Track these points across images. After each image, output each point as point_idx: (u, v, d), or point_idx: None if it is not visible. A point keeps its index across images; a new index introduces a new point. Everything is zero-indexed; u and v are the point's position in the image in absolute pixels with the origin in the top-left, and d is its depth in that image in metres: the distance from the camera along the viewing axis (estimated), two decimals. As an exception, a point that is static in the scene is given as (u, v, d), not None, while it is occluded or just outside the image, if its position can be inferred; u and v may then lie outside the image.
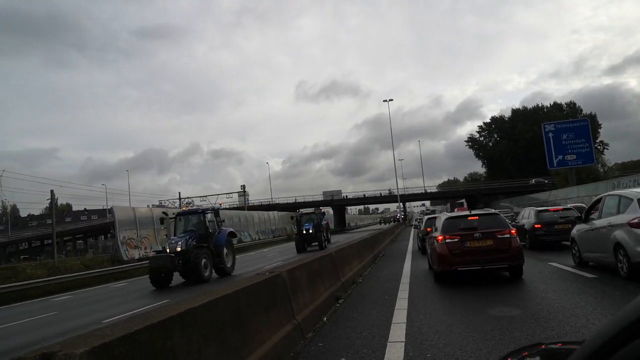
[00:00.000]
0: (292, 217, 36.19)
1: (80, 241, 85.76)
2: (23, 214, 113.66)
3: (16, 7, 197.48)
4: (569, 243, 15.06)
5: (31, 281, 20.17)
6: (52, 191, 41.45)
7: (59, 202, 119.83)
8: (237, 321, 4.08)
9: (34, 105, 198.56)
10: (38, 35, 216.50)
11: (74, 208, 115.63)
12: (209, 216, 18.61)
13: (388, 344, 5.17)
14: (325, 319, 6.80)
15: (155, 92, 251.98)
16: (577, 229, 10.42)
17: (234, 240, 22.87)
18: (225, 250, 18.26)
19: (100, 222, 79.61)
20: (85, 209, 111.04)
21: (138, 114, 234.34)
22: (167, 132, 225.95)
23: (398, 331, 5.67)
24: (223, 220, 20.59)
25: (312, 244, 30.61)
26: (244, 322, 4.22)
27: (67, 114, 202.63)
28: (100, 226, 76.83)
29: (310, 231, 30.16)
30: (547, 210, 16.07)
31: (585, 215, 10.16)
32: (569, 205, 19.44)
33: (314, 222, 31.55)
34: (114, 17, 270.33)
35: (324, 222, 32.80)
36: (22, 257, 73.29)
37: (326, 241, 31.32)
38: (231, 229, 20.43)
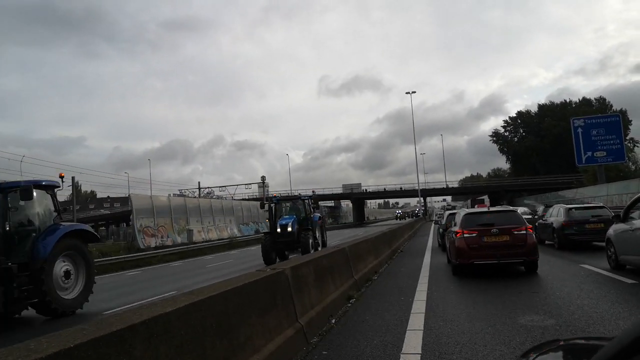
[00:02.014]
0: (262, 206, 22.88)
1: (103, 228, 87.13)
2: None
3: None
4: (601, 244, 14.37)
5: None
6: (73, 178, 41.72)
7: (83, 190, 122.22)
8: (224, 327, 3.49)
9: (64, 94, 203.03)
10: (69, 26, 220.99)
11: (99, 195, 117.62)
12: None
13: (401, 355, 4.53)
14: (333, 321, 6.19)
15: (181, 83, 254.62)
16: (614, 229, 9.54)
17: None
18: (64, 269, 9.93)
19: (122, 209, 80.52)
20: (108, 196, 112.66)
21: (163, 105, 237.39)
22: (191, 123, 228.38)
23: (413, 340, 5.01)
24: (63, 210, 11.53)
25: (291, 250, 18.99)
26: (233, 328, 3.64)
27: (95, 103, 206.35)
28: (123, 213, 77.64)
29: (289, 229, 18.23)
30: (578, 208, 15.14)
31: (624, 214, 9.28)
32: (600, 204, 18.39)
33: (298, 214, 20.01)
34: (143, 8, 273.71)
35: (316, 216, 21.26)
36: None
37: (318, 246, 19.77)
38: (84, 226, 11.61)
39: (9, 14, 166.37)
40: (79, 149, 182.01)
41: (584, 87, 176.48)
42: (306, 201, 21.19)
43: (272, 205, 20.85)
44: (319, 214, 21.94)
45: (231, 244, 35.11)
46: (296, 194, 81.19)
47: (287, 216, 19.61)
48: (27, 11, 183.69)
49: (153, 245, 29.85)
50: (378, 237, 13.61)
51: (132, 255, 25.21)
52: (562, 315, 5.83)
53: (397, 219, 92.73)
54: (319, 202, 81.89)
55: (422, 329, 5.48)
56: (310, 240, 18.40)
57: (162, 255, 26.53)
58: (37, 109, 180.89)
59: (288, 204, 21.42)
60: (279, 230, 18.50)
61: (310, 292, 5.86)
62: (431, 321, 5.86)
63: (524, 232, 9.55)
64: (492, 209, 12.04)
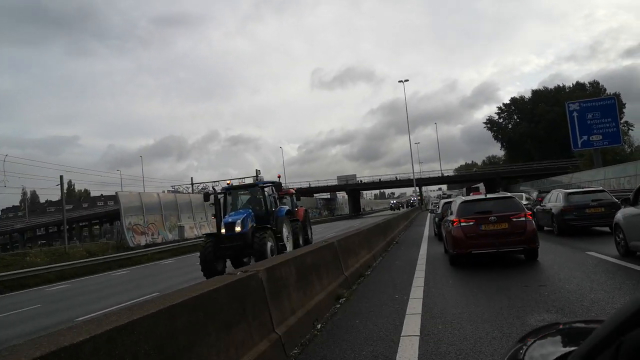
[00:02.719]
0: (206, 198, 16.54)
1: (97, 227, 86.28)
2: (42, 200, 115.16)
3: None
4: (601, 229, 13.93)
5: (25, 270, 19.39)
6: (61, 177, 40.77)
7: (77, 189, 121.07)
8: (167, 354, 2.77)
9: (56, 93, 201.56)
10: (60, 25, 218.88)
11: (92, 194, 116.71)
12: None
13: (394, 371, 3.84)
14: (319, 326, 5.48)
15: (173, 79, 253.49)
16: (623, 213, 8.88)
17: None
18: None
19: (115, 207, 79.50)
20: (101, 194, 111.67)
21: (156, 102, 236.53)
22: (185, 119, 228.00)
23: (409, 349, 4.31)
24: None
25: (245, 256, 14.12)
26: (181, 352, 2.92)
27: (88, 102, 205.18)
28: (116, 212, 76.60)
29: (238, 229, 13.42)
30: (578, 193, 14.60)
31: (634, 197, 8.62)
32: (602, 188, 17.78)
33: (258, 208, 15.14)
34: (134, 5, 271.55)
35: (282, 209, 15.83)
36: (40, 242, 73.93)
37: (285, 249, 14.54)
38: None
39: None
40: (73, 148, 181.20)
41: (575, 73, 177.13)
42: (266, 189, 15.75)
43: (221, 196, 15.51)
44: (286, 207, 16.48)
45: (224, 240, 34.35)
46: (290, 187, 79.10)
47: (241, 210, 14.53)
48: (16, 11, 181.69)
49: (143, 243, 29.12)
50: (371, 229, 12.91)
51: (119, 254, 24.46)
52: (576, 312, 5.16)
53: (391, 210, 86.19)
54: (315, 195, 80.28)
55: (419, 334, 4.78)
56: (269, 244, 13.40)
57: (152, 254, 25.79)
58: (29, 108, 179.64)
59: (243, 195, 15.96)
60: (223, 230, 13.61)
61: (291, 296, 5.15)
62: (429, 324, 5.17)
63: (523, 219, 9.13)
64: (489, 195, 11.60)
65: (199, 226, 37.20)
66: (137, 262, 24.06)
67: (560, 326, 1.69)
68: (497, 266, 9.10)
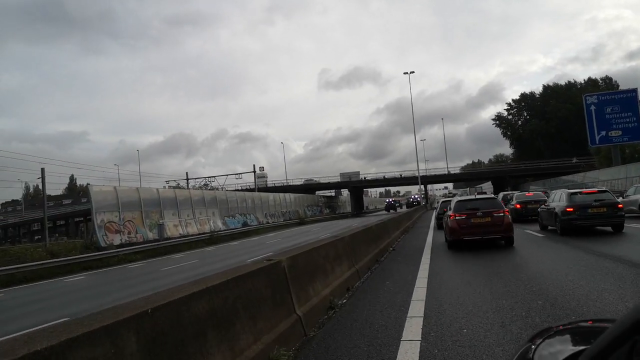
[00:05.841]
0: None
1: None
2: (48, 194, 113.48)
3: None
4: (604, 229, 13.89)
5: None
6: (42, 169, 38.19)
7: (78, 183, 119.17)
8: None
9: (67, 90, 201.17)
10: (73, 23, 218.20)
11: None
12: None
13: None
14: None
15: (183, 77, 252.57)
16: None
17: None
18: None
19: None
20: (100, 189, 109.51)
21: (167, 99, 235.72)
22: (194, 117, 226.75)
23: None
24: None
25: None
26: None
27: (99, 99, 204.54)
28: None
29: None
30: (580, 193, 14.64)
31: None
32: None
33: None
34: (147, 4, 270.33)
35: None
36: (36, 237, 71.66)
37: None
38: None
39: (13, 12, 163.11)
40: (82, 144, 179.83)
41: (582, 73, 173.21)
42: None
43: None
44: None
45: (211, 239, 31.67)
46: (292, 184, 74.55)
47: None
48: (30, 9, 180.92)
49: (117, 242, 26.31)
50: (357, 234, 9.91)
51: (84, 255, 21.64)
52: None
53: (386, 211, 69.45)
54: (317, 192, 76.41)
55: None
56: None
57: (125, 254, 23.02)
58: (40, 104, 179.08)
59: None
60: None
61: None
62: None
63: (502, 214, 11.99)
64: (477, 196, 15.54)
65: (185, 224, 34.44)
66: (106, 264, 21.44)
67: (570, 325, 1.62)
68: (543, 312, 6.20)
